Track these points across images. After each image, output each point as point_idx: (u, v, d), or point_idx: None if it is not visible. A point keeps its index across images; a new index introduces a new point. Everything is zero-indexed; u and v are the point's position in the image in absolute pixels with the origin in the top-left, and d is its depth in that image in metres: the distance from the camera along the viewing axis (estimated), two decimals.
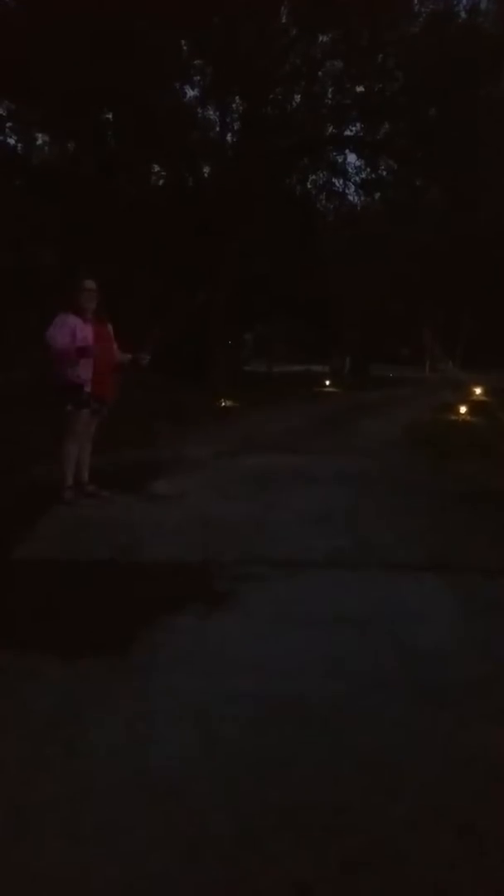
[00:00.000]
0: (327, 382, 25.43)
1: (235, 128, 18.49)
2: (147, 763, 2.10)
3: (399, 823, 1.85)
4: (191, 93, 17.35)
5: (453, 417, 13.61)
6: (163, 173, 19.18)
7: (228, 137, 18.45)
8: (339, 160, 19.90)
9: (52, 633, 3.01)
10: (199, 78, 17.04)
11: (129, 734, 2.25)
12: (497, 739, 2.26)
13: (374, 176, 19.60)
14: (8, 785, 1.99)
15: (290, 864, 1.70)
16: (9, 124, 16.14)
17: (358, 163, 19.51)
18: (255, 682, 2.61)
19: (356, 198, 21.44)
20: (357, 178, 19.99)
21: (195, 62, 16.63)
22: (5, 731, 2.26)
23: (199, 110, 17.94)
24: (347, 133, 18.63)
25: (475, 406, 15.40)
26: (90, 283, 5.46)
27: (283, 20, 16.27)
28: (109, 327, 5.65)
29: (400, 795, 1.97)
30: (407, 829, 1.83)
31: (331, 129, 18.60)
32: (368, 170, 19.43)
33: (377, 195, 21.21)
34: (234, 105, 18.09)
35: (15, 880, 1.65)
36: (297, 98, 18.11)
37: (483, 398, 18.55)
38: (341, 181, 20.27)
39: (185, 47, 15.95)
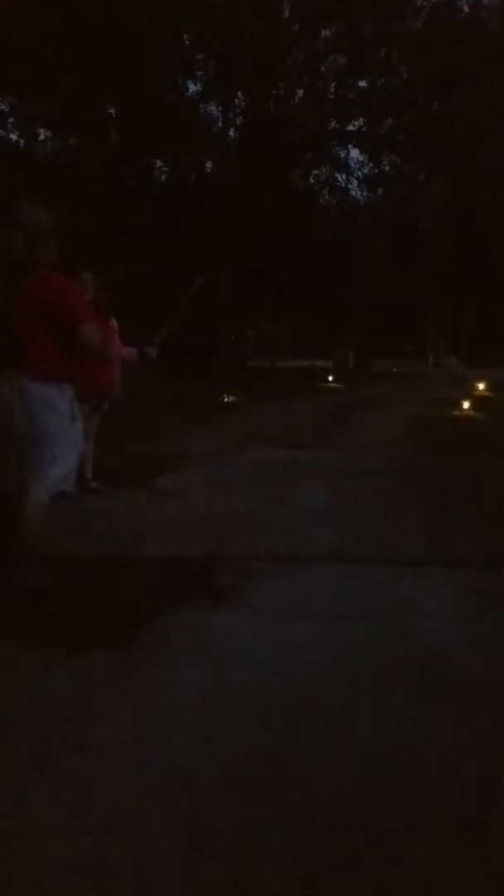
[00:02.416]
0: (330, 378, 25.41)
1: (238, 123, 18.47)
2: (151, 756, 2.11)
3: (401, 818, 1.85)
4: (193, 88, 17.35)
5: (456, 413, 13.58)
6: (165, 168, 19.17)
7: (231, 133, 18.43)
8: (342, 155, 19.91)
9: (57, 627, 3.02)
10: (201, 73, 17.01)
11: (134, 727, 2.26)
12: (500, 735, 2.27)
13: (376, 171, 19.59)
14: (14, 777, 2.00)
15: (294, 856, 1.71)
16: (11, 120, 16.14)
17: (361, 158, 19.51)
18: (259, 676, 2.61)
19: (359, 193, 21.44)
20: (360, 174, 19.99)
21: (197, 57, 16.60)
22: (12, 726, 2.27)
23: (202, 105, 17.92)
24: (350, 128, 18.61)
25: (478, 401, 15.37)
26: (88, 275, 5.30)
27: (286, 14, 16.24)
28: (113, 321, 5.63)
29: (403, 790, 1.97)
30: (409, 824, 1.83)
31: (333, 123, 18.57)
32: (371, 165, 19.42)
33: (380, 190, 21.20)
34: (236, 100, 18.06)
35: (19, 870, 1.66)
36: (300, 93, 18.08)
37: (486, 393, 18.52)
38: (344, 176, 20.29)
39: (187, 42, 15.92)
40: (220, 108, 18.14)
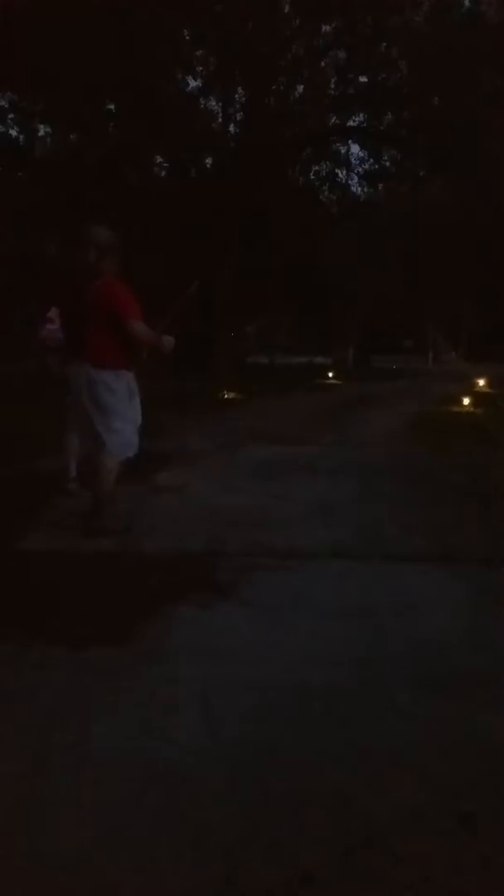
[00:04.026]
0: (330, 374, 25.36)
1: (238, 118, 18.41)
2: (151, 752, 2.11)
3: (401, 814, 1.86)
4: (193, 83, 17.30)
5: (456, 409, 13.57)
6: (165, 164, 19.11)
7: (231, 128, 18.39)
8: (343, 151, 19.85)
9: (57, 623, 3.02)
10: (201, 68, 16.96)
11: (134, 723, 2.26)
12: (500, 729, 2.27)
13: (377, 167, 19.54)
14: (14, 773, 2.01)
15: (293, 852, 1.71)
16: (11, 115, 16.11)
17: (361, 153, 19.46)
18: (259, 671, 2.62)
19: (359, 189, 21.39)
20: (360, 169, 19.95)
21: (197, 52, 16.55)
22: (13, 721, 2.28)
23: (202, 100, 17.86)
24: (350, 123, 18.56)
25: (478, 397, 15.35)
26: None
27: (286, 9, 16.18)
28: None
29: (403, 786, 1.97)
30: (409, 818, 1.84)
31: (334, 119, 18.52)
32: (371, 161, 19.37)
33: (380, 186, 21.15)
34: (236, 95, 18.01)
35: (20, 865, 1.66)
36: (300, 88, 18.01)
37: (486, 389, 18.49)
38: (344, 172, 20.23)
39: (187, 37, 15.87)
40: (219, 104, 18.09)
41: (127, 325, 4.24)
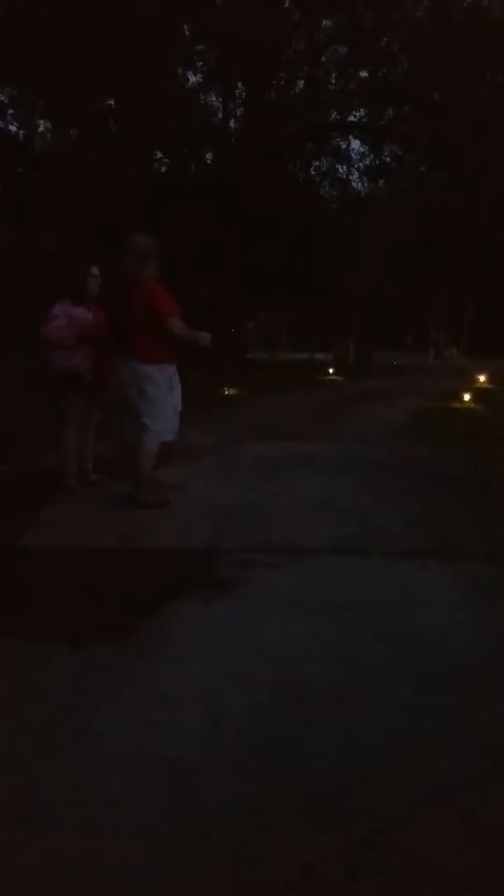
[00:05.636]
0: (331, 370, 25.37)
1: (238, 114, 18.35)
2: (152, 747, 2.11)
3: (402, 809, 1.86)
4: (193, 78, 17.23)
5: (457, 405, 13.57)
6: (165, 160, 19.05)
7: (231, 123, 18.32)
8: (343, 146, 19.77)
9: (59, 619, 3.03)
10: (201, 63, 16.90)
11: (136, 718, 2.27)
12: (500, 725, 2.27)
13: (377, 162, 19.47)
14: (17, 769, 2.01)
15: (295, 845, 1.71)
16: (10, 111, 16.05)
17: (362, 149, 19.40)
18: (260, 667, 2.62)
19: (360, 184, 21.31)
20: (361, 165, 19.87)
21: (197, 47, 16.49)
22: (15, 718, 2.28)
23: (202, 96, 17.79)
24: (351, 119, 18.48)
25: (479, 393, 15.36)
26: (95, 270, 5.46)
27: (287, 4, 16.12)
28: None
29: (403, 781, 1.98)
30: (409, 814, 1.84)
31: (334, 114, 18.43)
32: (372, 156, 19.30)
33: (381, 181, 21.07)
34: (236, 91, 17.94)
35: (22, 861, 1.67)
36: (301, 83, 17.95)
37: (487, 385, 18.49)
38: (345, 167, 20.15)
39: (187, 32, 15.81)
40: (220, 99, 18.02)
41: (166, 324, 4.74)
